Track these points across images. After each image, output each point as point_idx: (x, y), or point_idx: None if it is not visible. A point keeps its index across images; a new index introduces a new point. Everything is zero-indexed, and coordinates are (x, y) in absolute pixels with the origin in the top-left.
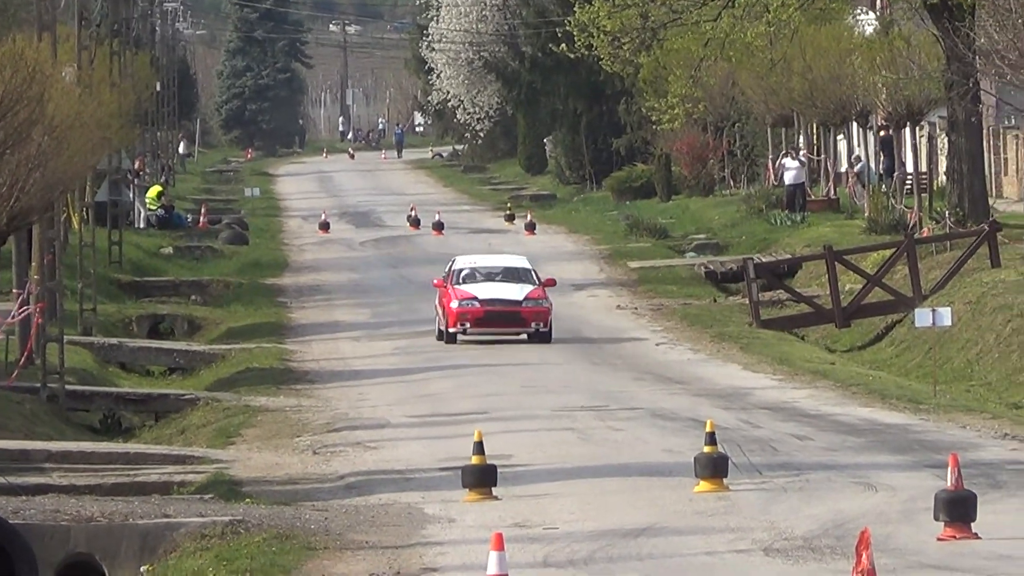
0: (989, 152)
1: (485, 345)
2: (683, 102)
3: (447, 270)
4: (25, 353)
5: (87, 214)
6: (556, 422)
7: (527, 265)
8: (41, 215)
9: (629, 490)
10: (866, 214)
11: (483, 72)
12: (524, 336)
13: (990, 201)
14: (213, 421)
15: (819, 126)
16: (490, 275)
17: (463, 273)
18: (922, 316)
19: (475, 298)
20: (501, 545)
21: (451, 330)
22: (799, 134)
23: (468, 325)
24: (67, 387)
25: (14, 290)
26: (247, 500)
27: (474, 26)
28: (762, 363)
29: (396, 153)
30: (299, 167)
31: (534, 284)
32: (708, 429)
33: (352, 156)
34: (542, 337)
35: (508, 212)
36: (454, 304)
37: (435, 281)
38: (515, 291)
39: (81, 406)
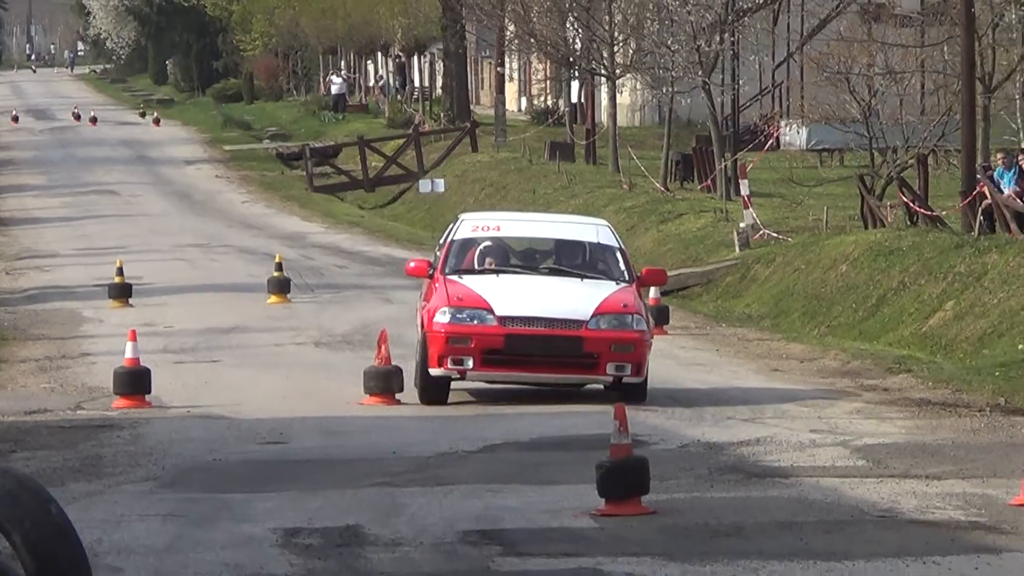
0: (471, 73)
1: (128, 204)
2: (262, 37)
3: (443, 240)
4: None
5: None
6: (173, 255)
7: (610, 240)
8: None
9: (223, 302)
10: (387, 115)
11: (125, 14)
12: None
13: (471, 107)
14: None
15: (356, 54)
16: (530, 258)
17: (471, 248)
18: (424, 184)
19: (489, 309)
20: (134, 337)
21: (435, 372)
22: (342, 59)
23: (471, 364)
24: None
25: None
26: None
27: None
28: (315, 216)
29: (69, 69)
30: None
31: (621, 281)
32: (277, 260)
33: (35, 71)
34: (631, 392)
35: (141, 110)
36: (441, 318)
37: (409, 265)
38: (576, 297)
39: None
